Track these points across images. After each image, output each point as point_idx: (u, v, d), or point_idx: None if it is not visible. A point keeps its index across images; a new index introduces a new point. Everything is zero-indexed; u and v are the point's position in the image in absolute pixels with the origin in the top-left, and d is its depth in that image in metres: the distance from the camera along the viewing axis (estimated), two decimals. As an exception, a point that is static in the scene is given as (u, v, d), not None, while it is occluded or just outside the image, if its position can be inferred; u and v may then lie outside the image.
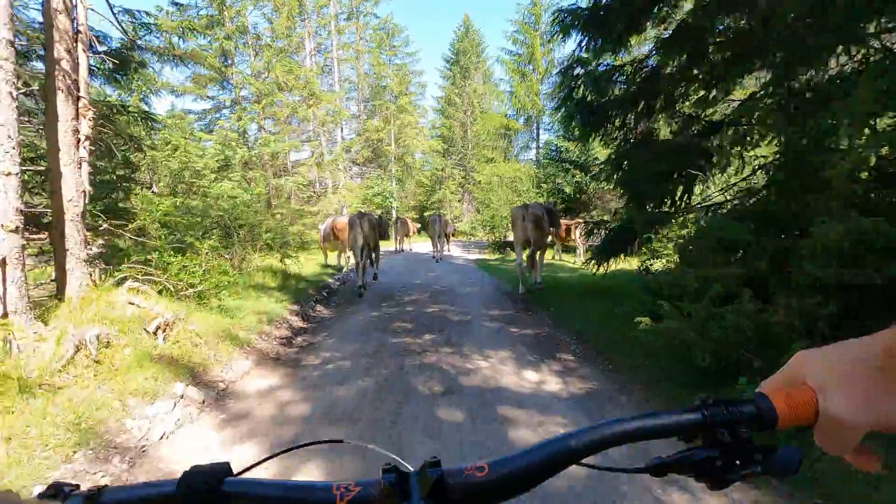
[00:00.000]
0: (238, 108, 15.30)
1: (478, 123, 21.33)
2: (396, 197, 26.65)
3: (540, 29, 20.24)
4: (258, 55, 16.18)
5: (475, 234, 19.90)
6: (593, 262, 6.64)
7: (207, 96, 16.23)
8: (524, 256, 8.17)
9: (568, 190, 16.40)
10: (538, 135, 21.32)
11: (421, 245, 21.51)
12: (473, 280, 10.37)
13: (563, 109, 6.40)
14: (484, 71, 36.53)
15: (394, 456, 0.55)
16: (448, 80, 36.45)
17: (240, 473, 0.48)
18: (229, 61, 15.61)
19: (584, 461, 0.49)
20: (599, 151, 15.32)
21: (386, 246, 18.26)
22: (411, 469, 0.48)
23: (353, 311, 7.25)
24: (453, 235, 21.02)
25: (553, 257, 15.10)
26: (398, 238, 18.43)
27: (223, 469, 0.46)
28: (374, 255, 9.74)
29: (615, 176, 6.46)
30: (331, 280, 10.35)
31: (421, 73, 27.24)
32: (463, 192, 36.81)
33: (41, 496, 0.42)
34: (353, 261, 10.48)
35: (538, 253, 8.42)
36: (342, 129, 28.17)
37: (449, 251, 21.17)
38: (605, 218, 9.71)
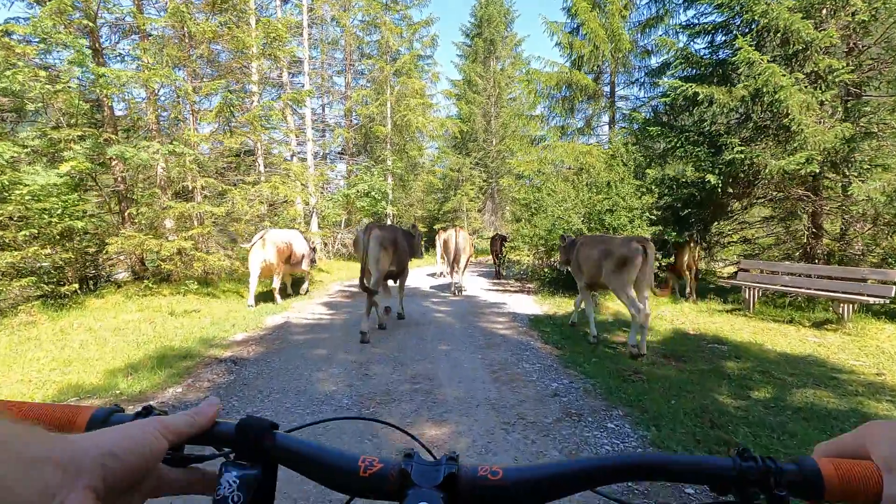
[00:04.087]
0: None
1: (524, 84, 13.27)
2: (394, 200, 18.65)
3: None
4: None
5: (519, 254, 11.75)
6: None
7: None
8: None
9: (711, 179, 8.26)
10: (613, 94, 13.24)
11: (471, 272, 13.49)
12: None
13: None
14: (513, 46, 28.87)
15: (422, 443, 0.57)
16: (467, 57, 28.84)
17: (288, 432, 0.51)
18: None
19: (600, 489, 0.48)
20: (790, 92, 7.31)
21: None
22: (432, 458, 0.49)
23: None
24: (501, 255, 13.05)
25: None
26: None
27: (271, 423, 0.49)
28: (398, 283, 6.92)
29: None
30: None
31: (430, 24, 19.21)
32: (485, 198, 28.85)
33: (137, 414, 0.48)
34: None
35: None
36: (326, 104, 20.43)
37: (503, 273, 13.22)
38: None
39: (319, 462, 0.48)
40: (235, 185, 9.19)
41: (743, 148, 8.04)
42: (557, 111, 13.15)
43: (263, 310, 7.85)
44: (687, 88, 8.60)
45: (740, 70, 8.07)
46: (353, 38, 19.19)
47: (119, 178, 8.95)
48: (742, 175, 8.55)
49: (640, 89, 13.55)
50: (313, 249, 9.89)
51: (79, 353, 4.87)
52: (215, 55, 10.82)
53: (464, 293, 10.57)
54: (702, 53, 9.90)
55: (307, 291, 10.09)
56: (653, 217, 9.22)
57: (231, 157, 10.18)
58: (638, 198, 9.33)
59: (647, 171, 9.65)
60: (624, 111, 13.83)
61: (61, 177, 6.72)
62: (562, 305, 8.77)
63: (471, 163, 26.97)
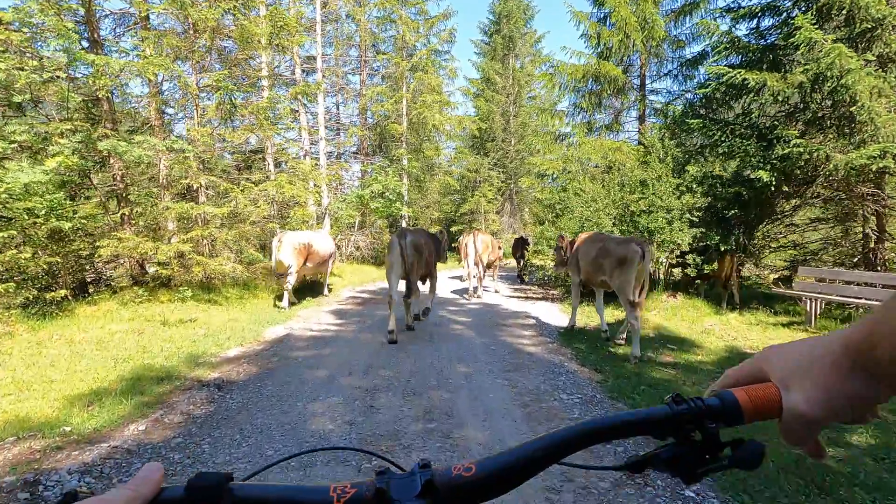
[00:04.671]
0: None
1: (548, 78, 12.42)
2: (409, 201, 17.96)
3: None
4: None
5: (543, 258, 10.96)
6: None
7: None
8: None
9: (764, 177, 7.37)
10: (643, 87, 12.34)
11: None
12: None
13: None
14: (533, 43, 28.01)
15: (389, 459, 0.57)
16: (486, 55, 28.04)
17: (245, 480, 0.49)
18: None
19: (564, 460, 0.50)
20: (859, 76, 6.41)
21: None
22: (404, 471, 0.49)
23: None
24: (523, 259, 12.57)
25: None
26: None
27: (226, 475, 0.46)
28: (428, 285, 7.06)
29: None
30: None
31: (447, 17, 18.41)
32: (503, 200, 28.00)
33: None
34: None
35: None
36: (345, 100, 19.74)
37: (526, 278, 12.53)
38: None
39: (287, 503, 0.45)
40: (238, 183, 8.55)
41: (801, 141, 7.11)
42: (584, 105, 12.26)
43: (264, 319, 7.20)
44: (735, 75, 7.69)
45: (798, 52, 7.16)
46: (367, 35, 18.59)
47: (118, 177, 8.42)
48: (798, 171, 7.61)
49: (673, 82, 12.61)
50: (338, 247, 9.96)
51: (44, 373, 4.25)
52: (224, 50, 10.30)
53: (481, 299, 9.87)
54: (747, 39, 8.97)
55: (330, 291, 10.25)
56: (694, 219, 8.33)
57: (237, 153, 9.60)
58: (677, 197, 8.45)
59: (687, 168, 8.75)
60: (655, 106, 12.92)
61: (47, 173, 6.16)
62: (592, 316, 7.93)
63: (489, 163, 26.14)
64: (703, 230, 8.32)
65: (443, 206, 26.60)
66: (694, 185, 8.49)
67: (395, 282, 6.10)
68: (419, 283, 6.81)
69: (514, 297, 10.90)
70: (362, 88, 19.49)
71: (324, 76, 17.71)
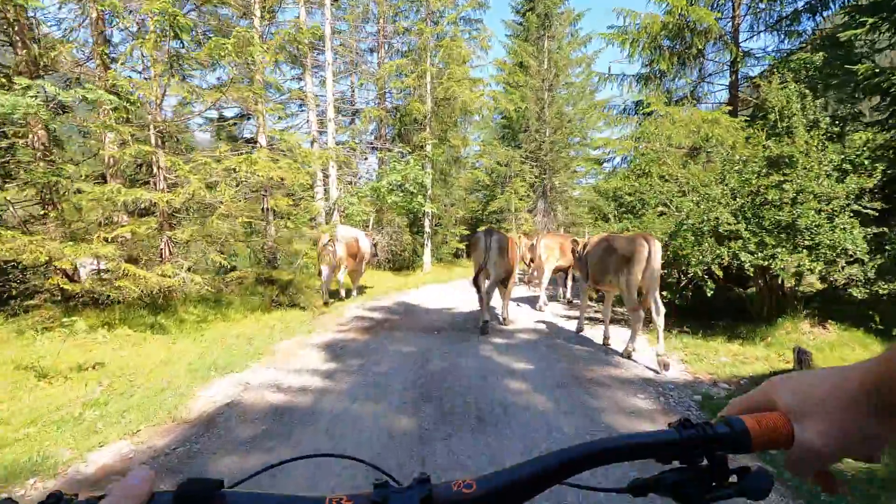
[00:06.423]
0: None
1: (614, 35, 9.61)
2: (433, 196, 15.29)
3: None
4: None
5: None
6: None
7: None
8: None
9: None
10: (737, 42, 9.46)
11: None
12: None
13: None
14: (570, 22, 25.13)
15: (386, 472, 0.54)
16: (518, 36, 25.32)
17: (234, 486, 0.47)
18: None
19: (567, 480, 0.49)
20: None
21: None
22: (402, 484, 0.47)
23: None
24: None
25: None
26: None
27: (217, 482, 0.45)
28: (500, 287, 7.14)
29: None
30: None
31: (478, -24, 15.59)
32: (536, 197, 25.14)
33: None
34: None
35: None
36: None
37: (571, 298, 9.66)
38: None
39: None
40: (189, 160, 5.99)
41: None
42: (663, 67, 9.42)
43: (213, 362, 4.67)
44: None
45: None
46: (386, 5, 16.07)
47: (37, 149, 6.05)
48: None
49: (780, 40, 9.57)
50: (375, 245, 10.07)
51: None
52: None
53: (544, 311, 7.32)
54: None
55: (360, 292, 9.96)
56: (868, 210, 5.48)
57: (211, 124, 7.15)
58: (836, 179, 5.61)
59: (851, 136, 5.88)
60: (749, 71, 10.00)
61: None
62: (704, 351, 5.17)
63: (521, 156, 23.38)
64: (885, 229, 5.45)
65: (468, 204, 23.95)
66: (865, 162, 5.62)
67: (482, 280, 6.41)
68: (500, 286, 7.05)
69: (572, 316, 8.19)
70: (381, 69, 16.96)
71: (336, 53, 15.29)
